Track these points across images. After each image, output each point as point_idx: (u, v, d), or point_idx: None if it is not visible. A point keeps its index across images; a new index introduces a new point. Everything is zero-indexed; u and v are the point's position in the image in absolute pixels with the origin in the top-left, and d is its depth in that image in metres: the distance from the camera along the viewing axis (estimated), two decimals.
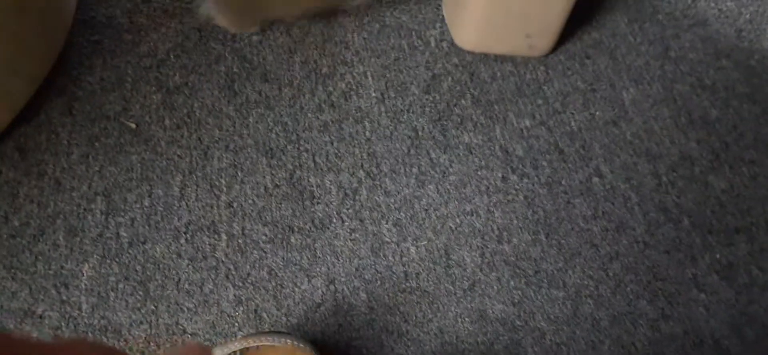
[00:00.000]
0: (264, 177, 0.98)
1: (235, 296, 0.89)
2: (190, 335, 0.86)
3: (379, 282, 0.91)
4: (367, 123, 1.04)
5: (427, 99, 1.07)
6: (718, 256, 0.96)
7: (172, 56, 1.09)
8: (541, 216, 0.97)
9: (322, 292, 0.90)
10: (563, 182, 1.00)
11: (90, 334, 0.86)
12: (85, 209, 0.94)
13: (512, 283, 0.92)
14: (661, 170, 1.02)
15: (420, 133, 1.03)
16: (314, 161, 1.00)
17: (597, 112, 1.07)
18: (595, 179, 1.01)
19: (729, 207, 1.00)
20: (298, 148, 1.01)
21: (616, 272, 0.94)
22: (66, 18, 1.08)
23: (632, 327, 0.90)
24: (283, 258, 0.92)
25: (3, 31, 0.91)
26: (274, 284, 0.90)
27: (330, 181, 0.98)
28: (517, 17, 1.03)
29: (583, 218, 0.97)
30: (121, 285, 0.89)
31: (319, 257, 0.92)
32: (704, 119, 1.07)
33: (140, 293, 0.89)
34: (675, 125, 1.06)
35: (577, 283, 0.93)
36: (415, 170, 1.00)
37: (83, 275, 0.90)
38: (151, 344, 0.86)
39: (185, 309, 0.88)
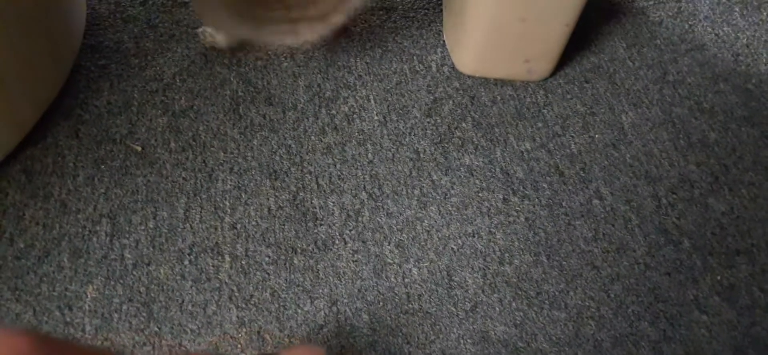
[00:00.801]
0: (268, 199, 0.99)
1: (238, 317, 0.89)
2: None
3: (381, 303, 0.92)
4: (369, 146, 1.05)
5: (428, 122, 1.08)
6: (719, 278, 0.96)
7: (177, 80, 1.10)
8: (542, 238, 0.98)
9: (325, 313, 0.90)
10: (564, 204, 1.01)
11: None
12: (90, 231, 0.95)
13: (514, 304, 0.92)
14: (660, 192, 1.03)
15: (422, 155, 1.05)
16: (317, 183, 1.01)
17: (596, 135, 1.08)
18: (596, 201, 1.01)
19: (729, 229, 1.00)
20: (302, 171, 1.02)
21: (618, 294, 0.94)
22: (74, 42, 1.10)
23: (634, 349, 0.90)
24: (286, 279, 0.92)
25: (12, 56, 0.93)
26: (277, 305, 0.91)
27: (333, 202, 0.99)
28: (517, 42, 1.05)
29: (584, 240, 0.98)
30: (124, 307, 0.89)
31: (322, 279, 0.93)
32: (703, 142, 1.08)
33: (144, 314, 0.89)
34: (674, 148, 1.07)
35: (578, 304, 0.93)
36: (417, 192, 1.01)
37: (87, 296, 0.90)
38: None
39: (188, 331, 0.88)
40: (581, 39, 1.18)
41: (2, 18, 0.90)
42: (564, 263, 0.96)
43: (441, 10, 1.20)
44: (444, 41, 1.17)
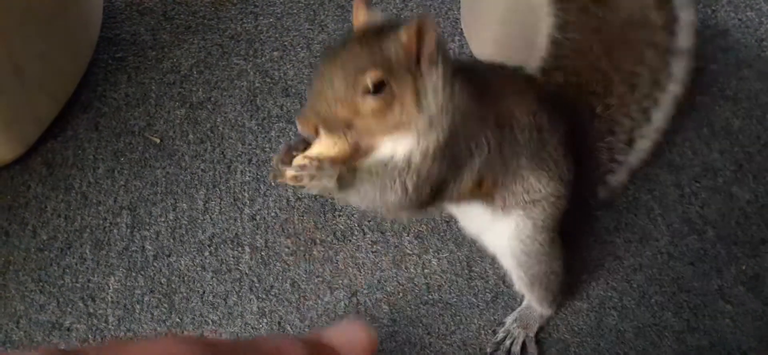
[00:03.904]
0: (286, 190, 0.99)
1: (258, 307, 0.90)
2: None
3: (401, 294, 0.91)
4: None
5: None
6: (743, 267, 0.94)
7: (195, 72, 1.10)
8: (563, 228, 0.97)
9: (345, 304, 0.90)
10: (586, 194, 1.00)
11: None
12: (111, 223, 0.96)
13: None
14: (683, 181, 1.01)
15: None
16: None
17: None
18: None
19: (754, 218, 0.99)
20: None
21: (640, 284, 0.93)
22: (91, 36, 1.10)
23: (658, 339, 0.89)
24: (306, 270, 0.92)
25: (31, 50, 0.94)
26: (297, 296, 0.91)
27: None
28: (535, 30, 1.04)
29: (605, 230, 0.97)
30: (146, 298, 0.90)
31: (342, 269, 0.93)
32: (727, 130, 1.06)
33: (165, 305, 0.90)
34: (697, 136, 1.05)
35: (600, 295, 0.92)
36: None
37: (109, 287, 0.91)
38: None
39: (210, 321, 0.89)
40: None
41: (21, 14, 0.90)
42: (586, 253, 0.95)
43: None
44: (462, 29, 1.16)
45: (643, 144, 0.88)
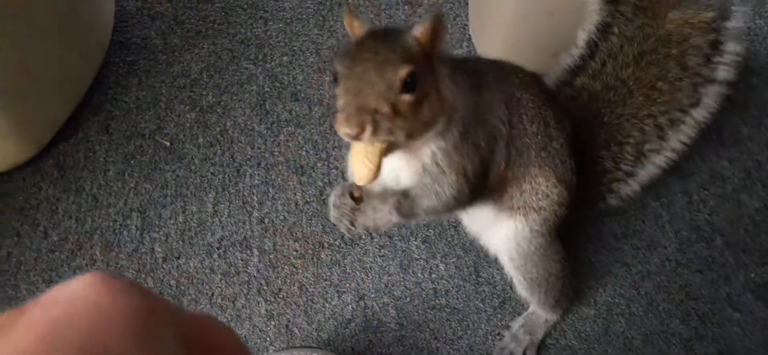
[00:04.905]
0: (295, 194, 0.99)
1: (266, 310, 0.90)
2: None
3: (408, 299, 0.92)
4: None
5: None
6: (752, 275, 0.94)
7: (204, 76, 1.11)
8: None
9: (352, 308, 0.91)
10: None
11: None
12: (121, 225, 0.97)
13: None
14: (691, 188, 1.01)
15: None
16: (344, 178, 1.01)
17: None
18: None
19: (762, 226, 0.98)
20: (328, 166, 1.02)
21: (648, 291, 0.93)
22: (103, 40, 1.11)
23: (665, 347, 0.89)
24: (314, 274, 0.93)
25: (43, 53, 0.95)
26: (304, 299, 0.91)
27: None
28: (544, 36, 1.04)
29: (613, 236, 0.97)
30: None
31: (349, 273, 0.93)
32: (735, 137, 1.06)
33: None
34: (705, 143, 1.05)
35: (608, 301, 0.92)
36: None
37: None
38: None
39: None
40: None
41: (35, 18, 0.91)
42: (594, 259, 0.95)
43: (467, 4, 1.19)
44: (470, 36, 1.16)
45: (656, 159, 0.87)
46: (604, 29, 0.87)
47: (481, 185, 0.71)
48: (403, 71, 0.58)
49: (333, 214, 0.72)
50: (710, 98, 0.84)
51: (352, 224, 0.70)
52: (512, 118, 0.70)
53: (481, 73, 0.70)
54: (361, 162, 0.61)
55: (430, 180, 0.68)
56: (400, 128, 0.59)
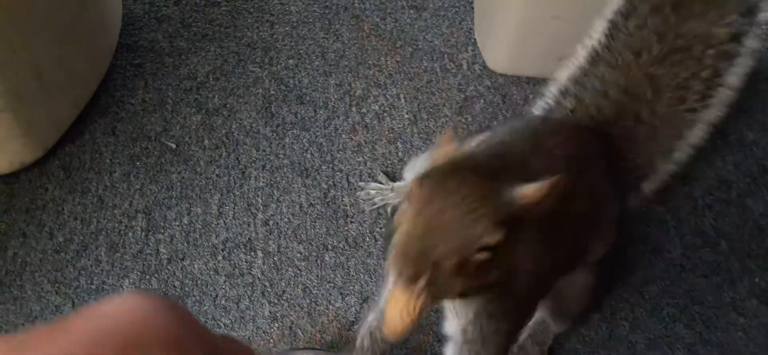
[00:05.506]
0: (299, 196, 1.00)
1: (270, 312, 0.90)
2: None
3: None
4: (399, 144, 1.05)
5: (459, 121, 1.08)
6: (757, 280, 0.94)
7: (211, 79, 1.12)
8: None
9: (356, 310, 0.91)
10: None
11: None
12: (126, 226, 0.97)
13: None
14: (696, 193, 1.01)
15: None
16: (348, 181, 1.01)
17: None
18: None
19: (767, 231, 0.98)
20: (333, 169, 1.02)
21: (653, 295, 0.93)
22: (110, 42, 1.12)
23: (669, 351, 0.89)
24: (318, 276, 0.93)
25: (53, 56, 0.96)
26: (308, 301, 0.91)
27: (363, 200, 0.99)
28: (551, 41, 1.04)
29: (617, 241, 0.96)
30: None
31: (353, 275, 0.93)
32: (741, 142, 1.06)
33: None
34: (711, 148, 1.05)
35: (612, 305, 0.92)
36: None
37: (124, 290, 0.92)
38: None
39: (222, 325, 0.89)
40: None
41: (43, 20, 0.92)
42: (597, 263, 0.94)
43: (472, 8, 1.19)
44: (475, 39, 1.17)
45: (678, 156, 0.87)
46: (627, 14, 0.85)
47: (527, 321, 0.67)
48: (492, 238, 0.49)
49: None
50: (719, 100, 0.83)
51: None
52: (558, 224, 0.59)
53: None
54: (398, 313, 0.50)
55: (468, 344, 0.62)
56: (455, 288, 0.51)
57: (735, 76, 0.81)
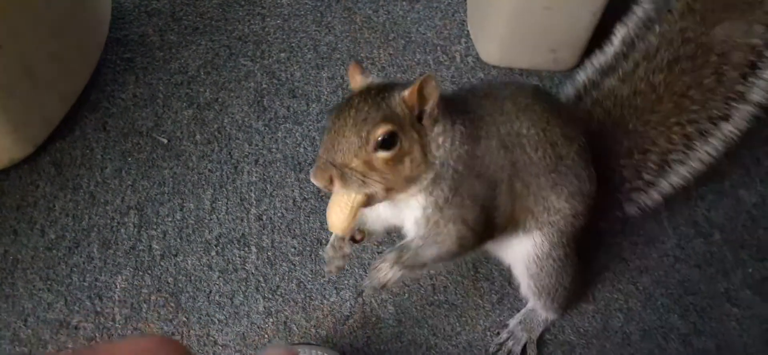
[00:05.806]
0: (293, 191, 0.99)
1: (264, 307, 0.90)
2: (221, 346, 0.87)
3: (406, 295, 0.92)
4: None
5: None
6: (750, 270, 0.94)
7: (202, 73, 1.11)
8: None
9: (351, 304, 0.91)
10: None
11: None
12: (118, 223, 0.96)
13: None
14: (690, 184, 1.01)
15: None
16: None
17: None
18: None
19: (761, 221, 0.98)
20: None
21: (646, 286, 0.93)
22: (100, 37, 1.11)
23: (664, 341, 0.89)
24: (312, 270, 0.93)
25: (43, 52, 0.94)
26: (303, 296, 0.91)
27: None
28: (543, 32, 1.04)
29: (611, 232, 0.96)
30: (153, 297, 0.91)
31: (347, 270, 0.93)
32: None
33: (172, 304, 0.90)
34: None
35: (606, 297, 0.92)
36: None
37: (117, 286, 0.91)
38: None
39: (216, 321, 0.89)
40: (608, 28, 1.16)
41: (33, 15, 0.91)
42: (591, 255, 0.95)
43: (465, 0, 1.19)
44: (468, 31, 1.16)
45: (680, 170, 0.87)
46: (646, 25, 0.86)
47: (489, 228, 0.71)
48: (380, 130, 0.61)
49: (326, 260, 0.77)
50: (740, 116, 0.84)
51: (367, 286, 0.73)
52: (513, 155, 0.70)
53: (477, 120, 0.69)
54: (334, 211, 0.65)
55: (426, 231, 0.69)
56: (376, 182, 0.63)
57: (759, 90, 0.82)
